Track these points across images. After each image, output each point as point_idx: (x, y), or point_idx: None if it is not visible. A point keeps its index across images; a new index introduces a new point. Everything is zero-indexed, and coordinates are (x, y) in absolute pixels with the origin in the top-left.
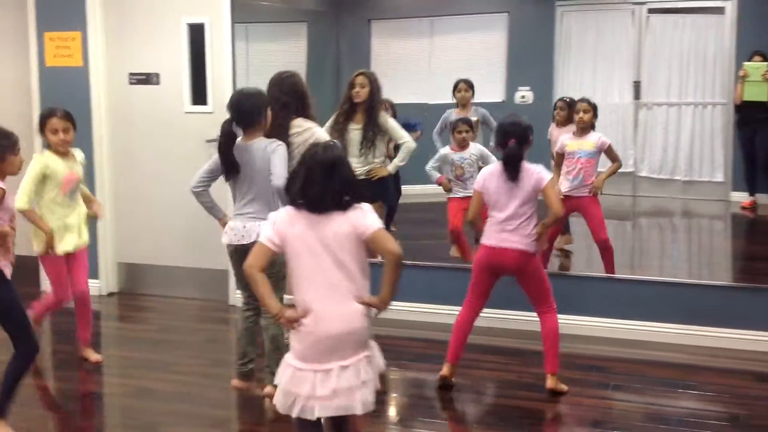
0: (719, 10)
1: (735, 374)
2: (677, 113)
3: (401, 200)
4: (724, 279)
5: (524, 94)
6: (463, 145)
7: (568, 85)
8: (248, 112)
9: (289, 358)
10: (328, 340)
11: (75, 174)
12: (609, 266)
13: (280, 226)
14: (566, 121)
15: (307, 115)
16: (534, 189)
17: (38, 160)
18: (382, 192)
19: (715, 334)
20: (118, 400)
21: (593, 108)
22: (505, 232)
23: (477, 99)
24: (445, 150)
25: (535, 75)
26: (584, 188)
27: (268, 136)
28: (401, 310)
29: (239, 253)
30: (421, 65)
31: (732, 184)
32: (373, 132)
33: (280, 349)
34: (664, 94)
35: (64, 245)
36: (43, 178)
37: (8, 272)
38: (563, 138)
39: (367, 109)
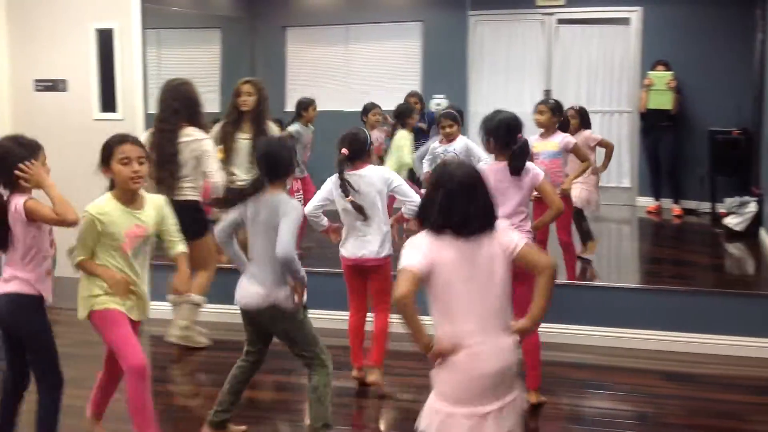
0: (625, 21)
1: (644, 374)
2: None
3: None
4: (632, 281)
5: (439, 102)
6: (449, 139)
7: (481, 92)
8: (281, 164)
9: (436, 403)
10: (485, 379)
11: (141, 228)
12: (568, 269)
13: (428, 252)
14: (577, 129)
15: (198, 124)
16: (531, 186)
17: (90, 208)
18: None
19: (625, 335)
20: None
21: (551, 109)
22: None
23: (393, 106)
24: (434, 143)
25: (449, 82)
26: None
27: (156, 142)
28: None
29: (244, 313)
30: (338, 72)
31: (638, 190)
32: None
33: (322, 401)
34: (574, 102)
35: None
36: (96, 233)
37: (49, 299)
38: (531, 139)
39: (254, 118)
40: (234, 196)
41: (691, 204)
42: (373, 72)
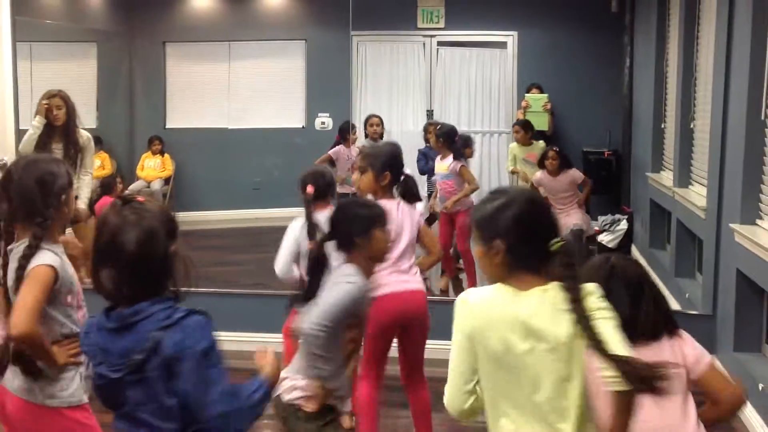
0: (502, 45)
1: None
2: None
3: (202, 226)
4: None
5: (324, 120)
6: None
7: (366, 111)
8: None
9: None
10: None
11: None
12: (469, 276)
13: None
14: (558, 171)
15: None
16: (418, 224)
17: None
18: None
19: None
20: None
21: (436, 134)
22: (402, 273)
23: (278, 125)
24: None
25: (333, 101)
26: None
27: None
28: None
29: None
30: (220, 90)
31: None
32: (75, 152)
33: None
34: (455, 122)
35: None
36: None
37: None
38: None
39: (65, 130)
40: None
41: None
42: (256, 90)
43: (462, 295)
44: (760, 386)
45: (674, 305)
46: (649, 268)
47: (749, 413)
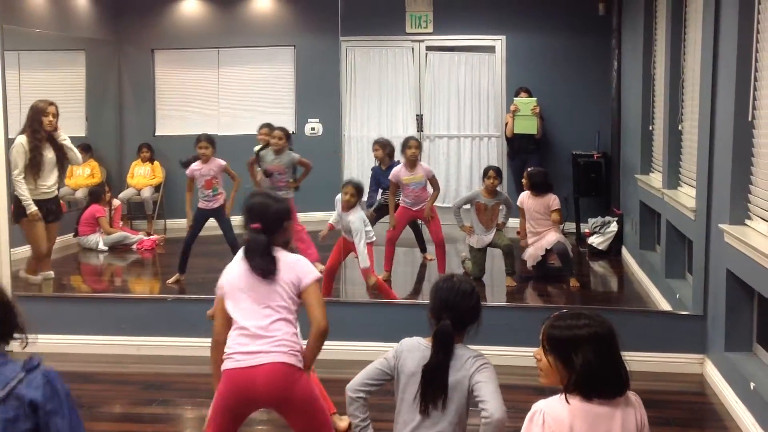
0: (491, 49)
1: (518, 389)
2: (457, 145)
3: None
4: (501, 299)
5: (314, 126)
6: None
7: (355, 116)
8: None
9: None
10: None
11: None
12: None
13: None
14: (536, 192)
15: None
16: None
17: None
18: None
19: (495, 353)
20: None
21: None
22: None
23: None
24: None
25: (323, 107)
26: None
27: None
28: (191, 346)
29: None
30: (209, 96)
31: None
32: (62, 156)
33: None
34: (445, 127)
35: None
36: None
37: None
38: (401, 172)
39: (53, 135)
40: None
41: None
42: (245, 96)
43: None
44: (752, 385)
45: (665, 306)
46: (639, 270)
47: (741, 412)
